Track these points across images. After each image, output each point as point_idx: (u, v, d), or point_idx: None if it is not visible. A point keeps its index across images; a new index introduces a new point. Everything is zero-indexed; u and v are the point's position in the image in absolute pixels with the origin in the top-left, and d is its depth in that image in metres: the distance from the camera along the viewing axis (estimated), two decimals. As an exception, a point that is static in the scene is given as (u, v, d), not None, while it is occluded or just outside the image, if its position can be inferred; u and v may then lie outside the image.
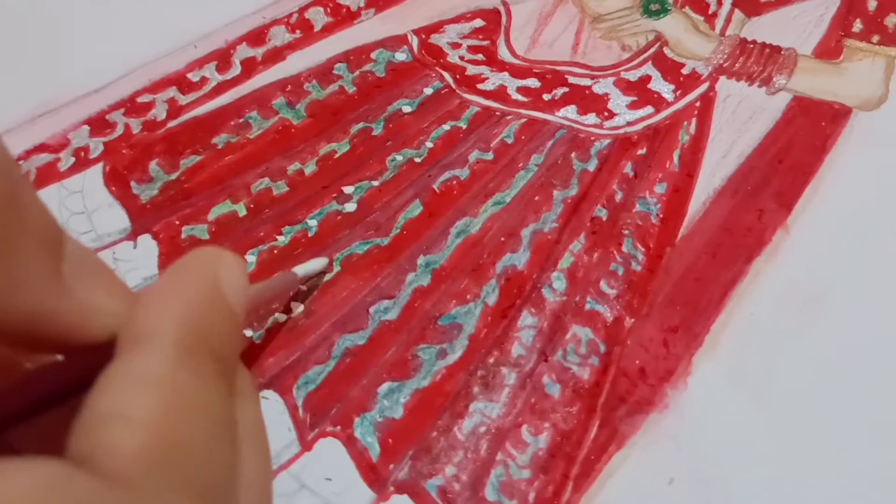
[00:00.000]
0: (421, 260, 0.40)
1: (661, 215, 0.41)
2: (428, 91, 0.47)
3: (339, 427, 0.35)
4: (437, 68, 0.48)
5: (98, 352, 0.16)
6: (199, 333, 0.16)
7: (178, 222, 0.42)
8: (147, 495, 0.14)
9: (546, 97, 0.46)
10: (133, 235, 0.41)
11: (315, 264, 0.29)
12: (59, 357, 0.16)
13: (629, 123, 0.45)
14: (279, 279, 0.28)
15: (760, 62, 0.47)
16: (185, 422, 0.15)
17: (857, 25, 0.50)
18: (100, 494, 0.14)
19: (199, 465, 0.15)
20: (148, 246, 0.41)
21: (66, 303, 0.16)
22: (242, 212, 0.42)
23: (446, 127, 0.45)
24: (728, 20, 0.50)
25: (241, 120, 0.46)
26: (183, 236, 0.41)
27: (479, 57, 0.49)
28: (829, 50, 0.48)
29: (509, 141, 0.44)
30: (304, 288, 0.28)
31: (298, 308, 0.25)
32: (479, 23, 0.50)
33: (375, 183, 0.43)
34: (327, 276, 0.37)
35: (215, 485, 0.16)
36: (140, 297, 0.17)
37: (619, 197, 0.42)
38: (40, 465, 0.14)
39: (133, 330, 0.16)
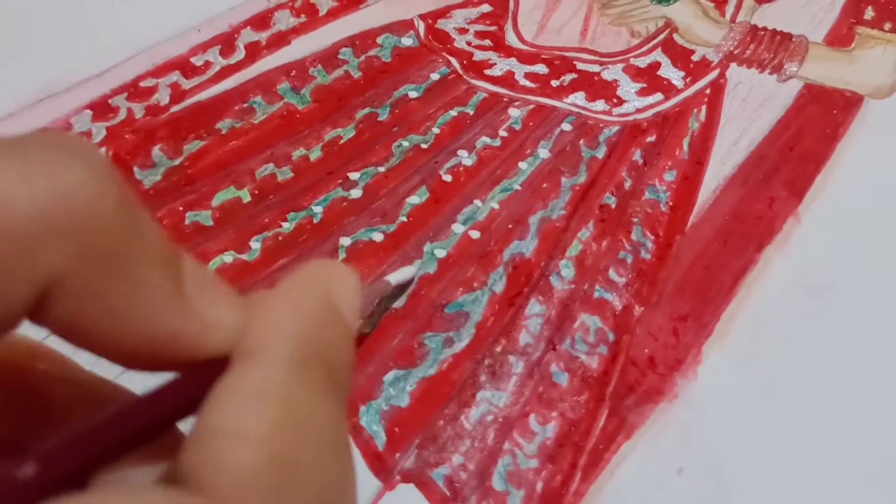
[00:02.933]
0: (427, 247, 0.39)
1: (671, 203, 0.41)
2: (434, 76, 0.46)
3: (344, 415, 0.35)
4: (443, 53, 0.47)
5: (213, 368, 0.16)
6: (312, 347, 0.16)
7: (181, 208, 0.41)
8: None
9: (554, 83, 0.46)
10: (136, 221, 0.41)
11: (406, 273, 0.28)
12: (175, 375, 0.16)
13: (638, 110, 0.45)
14: (375, 288, 0.27)
15: (771, 49, 0.47)
16: (299, 439, 0.15)
17: (869, 13, 0.49)
18: None
19: (312, 484, 0.15)
20: (151, 231, 0.40)
21: (190, 321, 0.15)
22: (247, 198, 0.42)
23: (453, 113, 0.45)
24: (738, 6, 0.49)
25: (245, 105, 0.45)
26: (187, 222, 0.41)
27: (487, 42, 0.48)
28: (840, 37, 0.48)
29: (517, 127, 0.44)
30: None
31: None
32: (486, 8, 0.50)
33: (381, 169, 0.42)
34: (411, 287, 0.36)
35: (329, 502, 0.15)
36: (254, 309, 0.16)
37: (628, 184, 0.41)
38: (148, 494, 0.13)
39: (246, 343, 0.16)
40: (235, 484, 0.14)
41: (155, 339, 0.15)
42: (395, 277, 0.28)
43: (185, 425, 0.16)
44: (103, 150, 0.44)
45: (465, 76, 0.46)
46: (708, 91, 0.45)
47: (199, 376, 0.16)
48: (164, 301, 0.15)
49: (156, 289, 0.15)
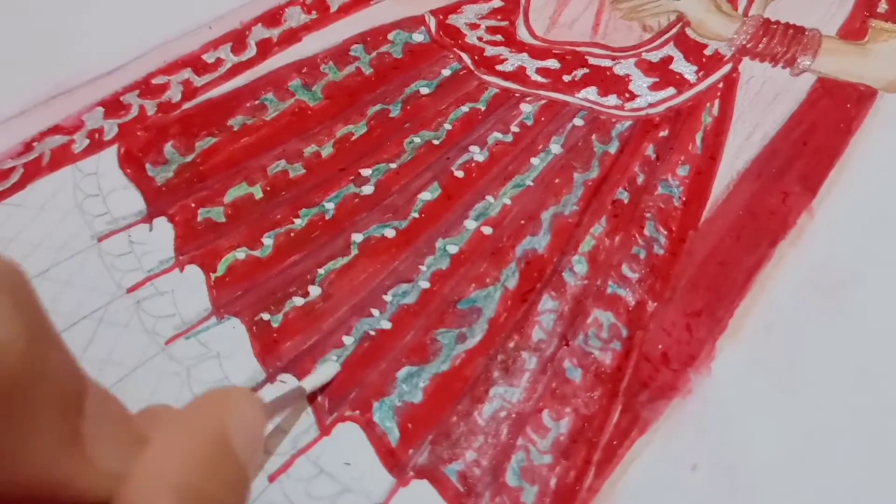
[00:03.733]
0: (439, 243, 0.39)
1: (684, 198, 0.40)
2: (446, 72, 0.46)
3: (357, 412, 0.35)
4: (455, 49, 0.47)
5: None
6: (198, 498, 0.15)
7: (193, 205, 0.41)
8: None
9: (566, 78, 0.46)
10: (148, 218, 0.41)
11: (322, 376, 0.27)
12: None
13: (651, 105, 0.44)
14: (287, 395, 0.26)
15: (784, 43, 0.46)
16: None
17: (883, 6, 0.49)
18: None
19: None
20: (164, 228, 0.41)
21: (83, 468, 0.15)
22: (259, 194, 0.42)
23: (465, 109, 0.45)
24: (751, 0, 0.49)
25: (256, 102, 0.45)
26: (199, 219, 0.41)
27: (498, 38, 0.48)
28: (853, 31, 0.48)
29: (529, 123, 0.44)
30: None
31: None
32: (497, 3, 0.49)
33: (393, 165, 0.42)
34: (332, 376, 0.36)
35: None
36: (143, 452, 0.15)
37: (640, 179, 0.41)
38: None
39: (128, 496, 0.15)
40: None
41: (44, 485, 0.14)
42: (310, 383, 0.27)
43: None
44: (116, 146, 0.44)
45: (476, 72, 0.46)
46: (721, 85, 0.45)
47: None
48: (57, 448, 0.14)
49: (50, 436, 0.14)
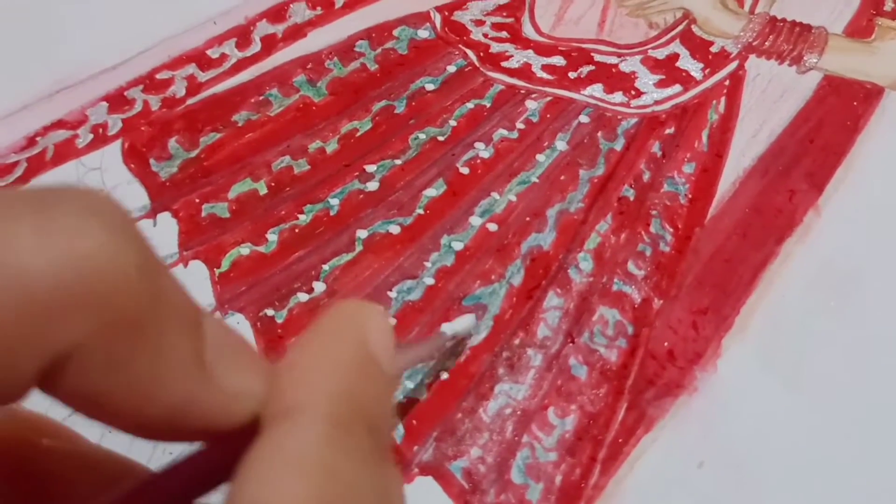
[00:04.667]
0: (444, 240, 0.39)
1: (690, 195, 0.40)
2: (451, 69, 0.46)
3: (362, 407, 0.34)
4: (460, 46, 0.47)
5: (238, 437, 0.15)
6: (352, 405, 0.15)
7: (198, 200, 0.41)
8: None
9: (572, 75, 0.46)
10: (153, 213, 0.41)
11: (464, 323, 0.27)
12: (197, 447, 0.15)
13: (657, 102, 0.44)
14: (429, 342, 0.26)
15: (791, 40, 0.46)
16: None
17: (889, 4, 0.49)
18: None
19: None
20: (168, 224, 0.40)
21: (211, 390, 0.14)
22: (263, 190, 0.42)
23: (470, 105, 0.44)
24: (757, -2, 0.49)
25: (261, 97, 0.45)
26: (203, 214, 0.41)
27: (503, 34, 0.48)
28: (860, 29, 0.47)
29: (534, 119, 0.44)
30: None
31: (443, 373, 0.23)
32: (503, -1, 0.49)
33: (398, 161, 0.42)
34: (475, 335, 0.35)
35: None
36: (283, 367, 0.15)
37: (646, 177, 0.41)
38: None
39: (279, 405, 0.15)
40: None
41: (175, 410, 0.14)
42: (451, 328, 0.27)
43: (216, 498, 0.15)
44: (120, 141, 0.44)
45: (481, 68, 0.46)
46: (727, 83, 0.45)
47: (223, 447, 0.15)
48: (186, 370, 0.14)
49: (177, 357, 0.14)
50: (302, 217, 0.40)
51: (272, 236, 0.40)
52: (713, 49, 0.46)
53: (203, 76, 0.46)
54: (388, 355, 0.16)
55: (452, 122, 0.44)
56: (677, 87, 0.45)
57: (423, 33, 0.48)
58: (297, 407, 0.14)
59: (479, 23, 0.48)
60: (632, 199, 0.40)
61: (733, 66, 0.46)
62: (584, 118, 0.44)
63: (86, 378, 0.13)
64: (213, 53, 0.47)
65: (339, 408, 0.14)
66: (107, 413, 0.14)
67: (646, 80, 0.45)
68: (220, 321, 0.15)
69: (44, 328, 0.12)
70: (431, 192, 0.41)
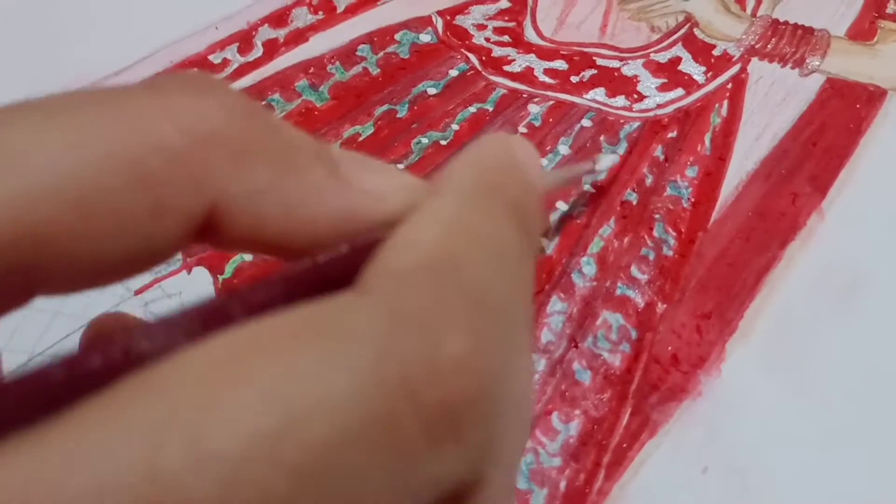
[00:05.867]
0: (447, 244, 0.39)
1: (693, 199, 0.40)
2: (453, 73, 0.46)
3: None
4: (462, 50, 0.47)
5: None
6: (495, 184, 0.16)
7: (201, 206, 0.41)
8: (394, 298, 0.13)
9: (574, 79, 0.46)
10: (156, 219, 0.41)
11: (609, 160, 0.26)
12: (344, 248, 0.15)
13: (659, 106, 0.44)
14: (574, 169, 0.25)
15: (793, 43, 0.46)
16: (469, 248, 0.14)
17: (892, 6, 0.49)
18: (347, 302, 0.13)
19: (477, 288, 0.14)
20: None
21: (357, 194, 0.15)
22: (266, 195, 0.41)
23: (472, 109, 0.44)
24: (759, 0, 0.49)
25: (263, 102, 0.45)
26: (206, 220, 0.41)
27: (506, 38, 0.48)
28: (862, 31, 0.47)
29: (537, 123, 0.44)
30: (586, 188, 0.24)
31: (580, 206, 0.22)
32: (505, 3, 0.49)
33: (401, 166, 0.42)
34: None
35: (497, 307, 0.14)
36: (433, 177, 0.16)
37: (649, 181, 0.41)
38: (315, 305, 0.13)
39: (426, 193, 0.16)
40: (394, 281, 0.13)
41: (326, 221, 0.15)
42: (598, 163, 0.25)
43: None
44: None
45: (484, 72, 0.46)
46: (729, 86, 0.45)
47: (372, 244, 0.15)
48: (328, 181, 0.15)
49: (317, 172, 0.15)
50: (305, 222, 0.40)
51: (275, 242, 0.40)
52: (715, 52, 0.46)
53: (205, 81, 0.46)
54: (535, 166, 0.17)
55: (455, 127, 0.44)
56: (680, 91, 0.45)
57: (425, 37, 0.48)
58: (444, 185, 0.15)
59: (481, 27, 0.48)
60: (635, 203, 0.40)
61: (736, 69, 0.46)
62: (586, 122, 0.44)
63: (239, 213, 0.14)
64: (215, 59, 0.47)
65: (482, 182, 0.15)
66: (263, 242, 0.15)
67: (648, 83, 0.45)
68: (348, 151, 0.17)
69: (195, 175, 0.14)
70: (434, 197, 0.41)
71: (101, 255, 0.13)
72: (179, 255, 0.39)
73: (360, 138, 0.44)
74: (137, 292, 0.38)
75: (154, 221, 0.14)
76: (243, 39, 0.48)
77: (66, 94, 0.14)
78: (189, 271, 0.39)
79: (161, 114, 0.14)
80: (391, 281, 0.13)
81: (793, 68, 0.45)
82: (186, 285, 0.38)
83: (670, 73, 0.46)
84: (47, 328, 0.37)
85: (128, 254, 0.14)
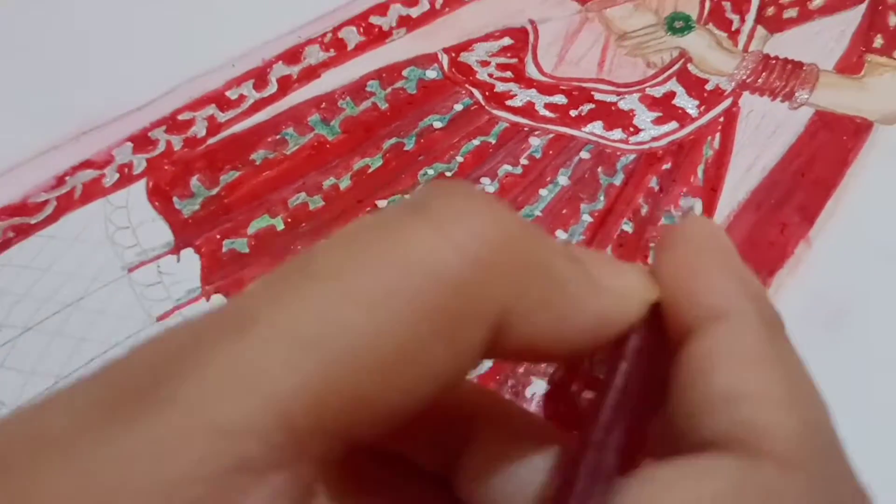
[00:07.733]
0: (453, 272, 0.41)
1: (686, 229, 0.42)
2: (458, 107, 0.48)
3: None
4: (466, 85, 0.49)
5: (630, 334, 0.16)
6: (768, 306, 0.17)
7: (219, 236, 0.43)
8: (818, 477, 0.14)
9: (573, 113, 0.48)
10: (176, 249, 0.43)
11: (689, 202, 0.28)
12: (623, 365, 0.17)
13: (654, 139, 0.46)
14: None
15: (783, 77, 0.48)
16: (808, 398, 0.16)
17: (879, 41, 0.50)
18: (781, 481, 0.14)
19: (834, 441, 0.16)
20: (191, 259, 0.43)
21: (608, 297, 0.16)
22: (280, 226, 0.44)
23: (476, 142, 0.47)
24: (751, 36, 0.51)
25: (277, 136, 0.47)
26: (224, 250, 0.43)
27: (508, 74, 0.50)
28: (850, 65, 0.49)
29: (537, 156, 0.46)
30: None
31: None
32: (507, 41, 0.52)
33: (408, 197, 0.44)
34: None
35: (850, 461, 0.16)
36: (664, 269, 0.17)
37: (644, 210, 0.43)
38: (715, 461, 0.14)
39: (705, 305, 0.16)
40: (789, 447, 0.14)
41: (586, 327, 0.16)
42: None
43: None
44: (144, 180, 0.46)
45: (487, 107, 0.48)
46: (721, 119, 0.47)
47: (626, 347, 0.16)
48: (586, 288, 0.16)
49: (576, 281, 0.16)
50: (317, 251, 0.42)
51: (289, 270, 0.42)
52: (708, 87, 0.48)
53: (223, 116, 0.48)
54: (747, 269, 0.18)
55: (459, 158, 0.46)
56: (674, 124, 0.47)
57: (432, 74, 0.50)
58: (724, 310, 0.16)
59: (485, 63, 0.50)
60: (631, 232, 0.42)
61: (727, 102, 0.48)
62: (584, 154, 0.46)
63: (516, 330, 0.15)
64: (231, 94, 0.49)
65: (763, 310, 0.17)
66: (539, 351, 0.16)
67: (643, 117, 0.47)
68: (587, 249, 0.18)
69: (480, 304, 0.14)
70: (440, 227, 0.43)
71: (411, 403, 0.14)
72: (198, 283, 0.42)
73: (370, 170, 0.46)
74: (160, 318, 0.40)
75: (451, 356, 0.14)
76: (259, 76, 0.50)
77: (337, 243, 0.15)
78: (208, 299, 0.41)
79: (442, 244, 0.14)
80: (787, 447, 0.15)
81: (783, 101, 0.47)
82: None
83: (665, 107, 0.48)
84: (74, 353, 0.39)
85: (431, 391, 0.14)
